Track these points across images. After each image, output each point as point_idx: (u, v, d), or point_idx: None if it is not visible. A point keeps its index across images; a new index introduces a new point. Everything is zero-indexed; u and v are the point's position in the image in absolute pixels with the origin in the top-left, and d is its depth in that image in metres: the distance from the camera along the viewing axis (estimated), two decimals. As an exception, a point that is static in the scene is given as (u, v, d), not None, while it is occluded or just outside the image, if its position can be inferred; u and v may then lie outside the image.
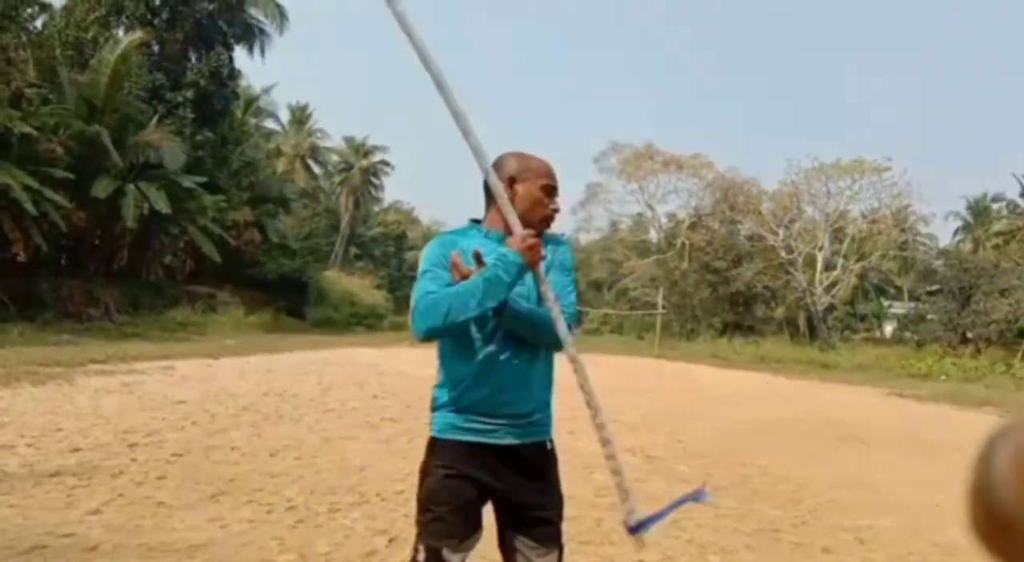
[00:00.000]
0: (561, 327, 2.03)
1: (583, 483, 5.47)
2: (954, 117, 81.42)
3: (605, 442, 2.02)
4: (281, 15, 29.53)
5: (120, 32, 23.78)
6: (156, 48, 24.92)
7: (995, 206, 41.02)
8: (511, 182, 2.16)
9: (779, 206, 33.02)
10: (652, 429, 8.83)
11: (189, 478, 5.18)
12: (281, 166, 41.80)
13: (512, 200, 2.13)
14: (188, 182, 21.67)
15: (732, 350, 28.15)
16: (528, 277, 2.07)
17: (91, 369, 11.16)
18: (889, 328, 37.28)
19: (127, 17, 24.32)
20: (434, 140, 76.90)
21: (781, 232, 32.02)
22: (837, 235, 32.52)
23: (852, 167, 31.29)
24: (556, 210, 2.22)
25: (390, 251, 51.66)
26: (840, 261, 32.11)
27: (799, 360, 24.94)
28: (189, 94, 24.64)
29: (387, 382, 12.16)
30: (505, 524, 2.17)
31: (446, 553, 2.04)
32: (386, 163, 50.24)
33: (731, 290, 33.63)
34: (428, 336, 2.03)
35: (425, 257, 2.15)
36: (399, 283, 43.72)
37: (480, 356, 2.09)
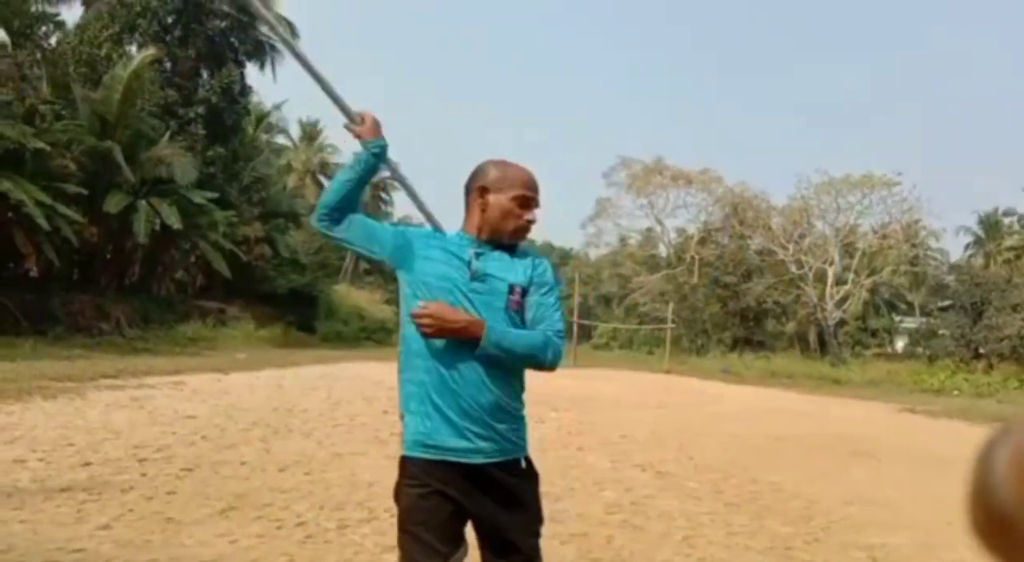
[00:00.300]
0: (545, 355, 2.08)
1: (592, 501, 5.44)
2: (962, 130, 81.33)
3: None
4: (292, 32, 29.80)
5: (133, 49, 24.04)
6: (168, 65, 25.17)
7: (1007, 220, 40.82)
8: (483, 191, 2.17)
9: (789, 221, 33.00)
10: (662, 445, 8.78)
11: (199, 493, 5.18)
12: (292, 182, 42.01)
13: (483, 209, 2.16)
14: (199, 198, 21.84)
15: (743, 365, 28.03)
16: (498, 285, 2.10)
17: (102, 383, 11.17)
18: (900, 343, 37.07)
19: (140, 34, 24.60)
20: (443, 156, 77.28)
21: (791, 247, 31.96)
22: (847, 250, 32.43)
23: (862, 182, 31.28)
24: (531, 221, 2.18)
25: (400, 266, 51.69)
26: (851, 276, 31.99)
27: (810, 375, 24.82)
28: (201, 110, 24.89)
29: (396, 397, 12.05)
30: (481, 546, 2.15)
31: None
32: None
33: (741, 305, 33.58)
34: (322, 217, 2.19)
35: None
36: (408, 298, 43.70)
37: (437, 363, 2.08)
